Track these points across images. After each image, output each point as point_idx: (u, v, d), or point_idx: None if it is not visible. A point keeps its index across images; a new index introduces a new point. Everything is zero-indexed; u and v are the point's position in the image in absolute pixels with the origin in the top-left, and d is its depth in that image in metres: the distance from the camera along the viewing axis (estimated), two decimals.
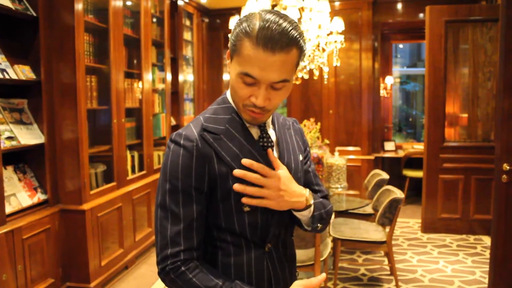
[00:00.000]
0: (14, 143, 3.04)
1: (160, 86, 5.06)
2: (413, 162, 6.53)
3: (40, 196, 3.29)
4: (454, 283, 3.64)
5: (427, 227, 5.06)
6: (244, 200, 1.11)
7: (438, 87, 4.95)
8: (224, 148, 1.13)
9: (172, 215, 1.11)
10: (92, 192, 3.55)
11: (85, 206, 3.42)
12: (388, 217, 3.42)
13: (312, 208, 1.23)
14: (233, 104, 1.19)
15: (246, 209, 1.14)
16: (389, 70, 7.43)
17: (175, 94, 5.70)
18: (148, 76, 4.55)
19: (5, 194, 2.92)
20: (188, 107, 6.21)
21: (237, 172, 1.11)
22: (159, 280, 3.75)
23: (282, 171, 1.16)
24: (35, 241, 3.08)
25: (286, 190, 1.14)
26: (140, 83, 4.45)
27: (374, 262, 4.12)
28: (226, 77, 6.99)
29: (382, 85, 6.99)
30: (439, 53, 4.93)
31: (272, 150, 1.19)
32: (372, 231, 3.55)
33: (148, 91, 4.57)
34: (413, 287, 3.57)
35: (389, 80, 7.26)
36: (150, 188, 4.49)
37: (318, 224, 1.27)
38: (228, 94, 1.22)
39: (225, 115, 1.18)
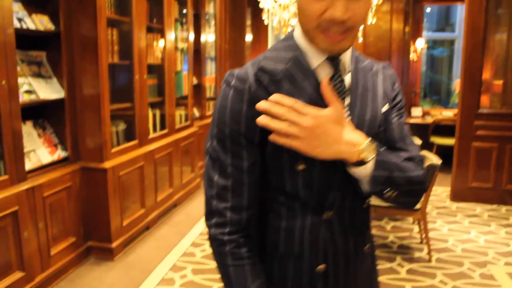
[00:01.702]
0: (33, 97, 2.91)
1: (181, 43, 4.85)
2: (440, 129, 6.29)
3: (60, 153, 3.18)
4: (488, 254, 3.48)
5: (456, 196, 4.87)
6: (271, 137, 0.90)
7: (475, 51, 4.64)
8: (281, 91, 0.92)
9: (220, 165, 0.96)
10: (113, 150, 3.42)
11: (107, 165, 3.30)
12: None
13: (371, 165, 0.93)
14: (299, 41, 0.98)
15: (300, 166, 0.94)
16: (420, 33, 7.06)
17: (197, 52, 5.49)
18: (170, 31, 4.34)
19: (25, 150, 2.80)
20: (210, 67, 6.00)
21: (260, 104, 0.90)
22: (181, 242, 3.67)
23: (330, 109, 0.91)
24: (56, 199, 2.99)
25: (325, 133, 0.89)
26: (162, 39, 4.25)
27: (403, 230, 3.97)
28: (248, 38, 6.75)
29: (412, 48, 6.67)
30: (479, 14, 4.58)
31: (344, 97, 0.97)
32: None
33: (171, 47, 4.37)
34: (446, 256, 3.43)
35: (419, 43, 6.92)
36: (171, 148, 4.36)
37: (386, 189, 0.96)
38: (296, 29, 1.00)
39: (287, 52, 0.97)
